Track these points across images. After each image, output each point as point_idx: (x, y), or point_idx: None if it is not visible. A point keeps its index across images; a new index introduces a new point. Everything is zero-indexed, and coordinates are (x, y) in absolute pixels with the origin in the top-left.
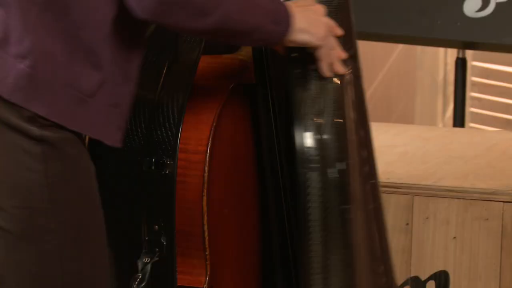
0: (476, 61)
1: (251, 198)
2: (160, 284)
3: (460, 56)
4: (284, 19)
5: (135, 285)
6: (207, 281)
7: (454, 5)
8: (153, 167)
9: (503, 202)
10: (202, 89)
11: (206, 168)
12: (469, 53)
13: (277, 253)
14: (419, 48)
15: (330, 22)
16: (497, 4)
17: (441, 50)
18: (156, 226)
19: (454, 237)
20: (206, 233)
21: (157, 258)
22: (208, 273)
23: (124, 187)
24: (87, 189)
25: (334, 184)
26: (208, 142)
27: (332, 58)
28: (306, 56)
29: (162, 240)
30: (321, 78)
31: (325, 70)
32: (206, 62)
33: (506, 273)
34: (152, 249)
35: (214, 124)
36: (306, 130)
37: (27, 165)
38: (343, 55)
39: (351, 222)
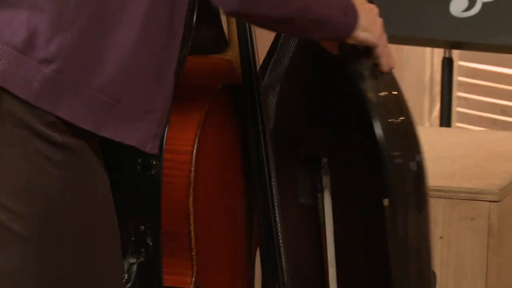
0: (462, 61)
1: (238, 198)
2: (146, 284)
3: (447, 56)
4: (352, 12)
5: None
6: (193, 281)
7: (440, 5)
8: (139, 168)
9: (490, 201)
10: (188, 89)
11: (193, 169)
12: (455, 53)
13: (264, 253)
14: (405, 48)
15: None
16: (484, 4)
17: (428, 50)
18: (142, 227)
19: (441, 237)
20: (193, 234)
21: (143, 259)
22: (195, 273)
23: (110, 188)
24: (104, 194)
25: (416, 176)
26: (195, 142)
27: (388, 54)
28: (362, 54)
29: (148, 241)
30: (382, 75)
31: (385, 67)
32: (193, 62)
33: (493, 272)
34: (138, 249)
35: (201, 124)
36: (384, 128)
37: (48, 171)
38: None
39: (428, 212)
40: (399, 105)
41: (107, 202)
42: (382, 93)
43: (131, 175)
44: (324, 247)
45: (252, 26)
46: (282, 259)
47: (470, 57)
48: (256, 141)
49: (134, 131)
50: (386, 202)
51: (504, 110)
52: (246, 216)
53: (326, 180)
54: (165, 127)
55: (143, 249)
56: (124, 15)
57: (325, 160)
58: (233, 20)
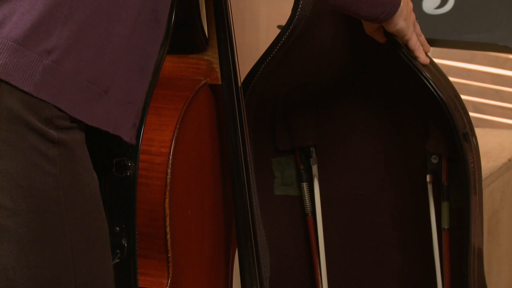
0: (435, 58)
1: (215, 199)
2: (121, 286)
3: None
4: None
5: None
6: (169, 283)
7: (413, 2)
8: (114, 169)
9: None
10: (166, 89)
11: (169, 171)
12: None
13: (242, 253)
14: None
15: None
16: (456, 1)
17: None
18: (117, 228)
19: None
20: (169, 235)
21: (118, 260)
22: (170, 275)
23: None
24: (95, 190)
25: (476, 149)
26: (172, 144)
27: (423, 44)
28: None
29: (124, 242)
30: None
31: (422, 58)
32: (171, 61)
33: None
34: (113, 250)
35: (178, 126)
36: (451, 107)
37: (43, 168)
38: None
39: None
40: (450, 83)
41: (99, 199)
42: (436, 73)
43: (106, 176)
44: (311, 236)
45: (232, 26)
46: (260, 260)
47: (443, 54)
48: (234, 143)
49: (118, 122)
50: (428, 178)
51: (476, 107)
52: (223, 217)
53: (314, 169)
54: (141, 118)
55: (118, 251)
56: (122, 9)
57: (313, 149)
58: (213, 20)
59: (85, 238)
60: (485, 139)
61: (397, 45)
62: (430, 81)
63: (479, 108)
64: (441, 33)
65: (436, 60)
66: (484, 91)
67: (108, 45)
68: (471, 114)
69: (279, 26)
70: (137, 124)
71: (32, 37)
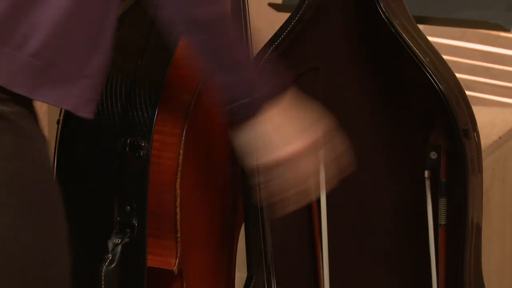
0: (426, 36)
1: (224, 182)
2: (130, 265)
3: None
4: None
5: (104, 266)
6: (176, 263)
7: None
8: (127, 149)
9: None
10: (181, 70)
11: (181, 151)
12: (419, 28)
13: (249, 236)
14: None
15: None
16: None
17: None
18: (128, 207)
19: None
20: (178, 216)
21: (127, 240)
22: (178, 255)
23: (97, 167)
24: (41, 162)
25: (477, 145)
26: (184, 124)
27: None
28: None
29: (134, 222)
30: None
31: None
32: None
33: None
34: (123, 230)
35: (191, 107)
36: (452, 102)
37: None
38: None
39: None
40: (454, 78)
41: (46, 169)
42: (440, 67)
43: (119, 156)
44: (314, 219)
45: (248, 14)
46: (267, 242)
47: (433, 32)
48: None
49: (68, 96)
50: (426, 174)
51: (467, 85)
52: (231, 199)
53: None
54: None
55: (128, 230)
56: None
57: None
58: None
59: (29, 208)
60: (476, 117)
61: (398, 34)
62: (433, 76)
63: (470, 85)
64: (432, 11)
65: None
66: (475, 68)
67: (47, 18)
68: None
69: (270, 4)
70: (95, 99)
71: None
